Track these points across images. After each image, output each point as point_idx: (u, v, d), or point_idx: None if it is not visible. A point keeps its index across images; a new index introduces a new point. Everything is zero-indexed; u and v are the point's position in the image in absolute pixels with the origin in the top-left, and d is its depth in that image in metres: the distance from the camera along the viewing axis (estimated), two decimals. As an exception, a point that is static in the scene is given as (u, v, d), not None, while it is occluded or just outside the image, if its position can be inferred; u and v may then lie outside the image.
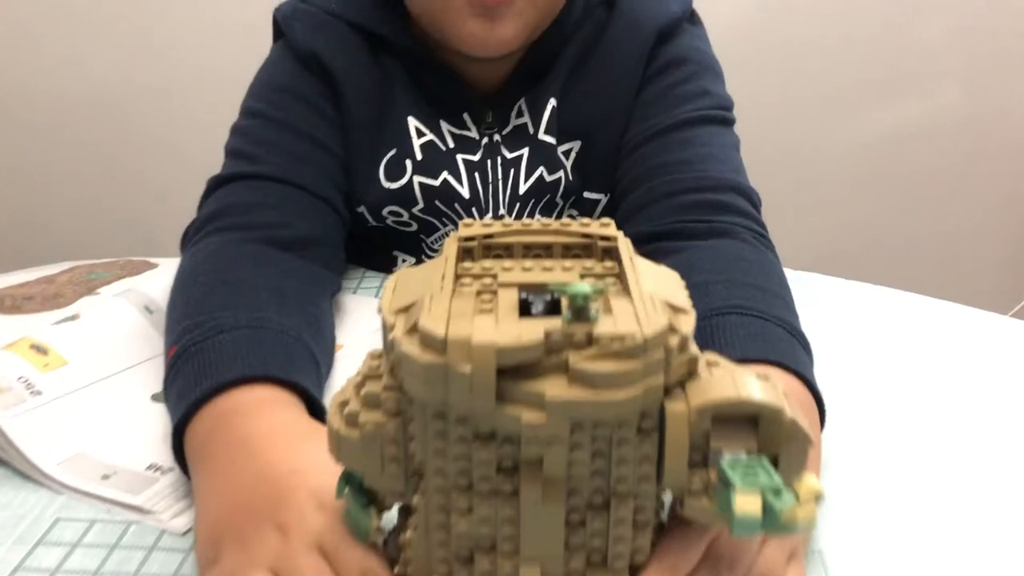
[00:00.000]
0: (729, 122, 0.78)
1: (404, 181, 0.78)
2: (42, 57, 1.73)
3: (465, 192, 0.78)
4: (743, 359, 0.50)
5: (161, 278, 0.73)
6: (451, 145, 0.78)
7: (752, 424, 0.35)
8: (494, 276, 0.38)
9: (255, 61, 0.82)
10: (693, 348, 0.35)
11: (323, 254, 0.72)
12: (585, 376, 0.32)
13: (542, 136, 0.78)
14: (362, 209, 0.80)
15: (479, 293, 0.37)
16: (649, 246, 0.68)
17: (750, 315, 0.55)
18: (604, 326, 0.33)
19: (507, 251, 0.40)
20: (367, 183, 0.79)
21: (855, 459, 0.57)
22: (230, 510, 0.44)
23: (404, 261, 0.85)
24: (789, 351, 0.54)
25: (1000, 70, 1.71)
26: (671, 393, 0.35)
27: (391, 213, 0.80)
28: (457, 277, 0.38)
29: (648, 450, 0.35)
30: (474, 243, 0.40)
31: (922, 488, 0.55)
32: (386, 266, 0.85)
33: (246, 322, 0.56)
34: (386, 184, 0.78)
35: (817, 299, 0.77)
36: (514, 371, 0.33)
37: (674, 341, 0.34)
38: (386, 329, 0.36)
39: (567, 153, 0.79)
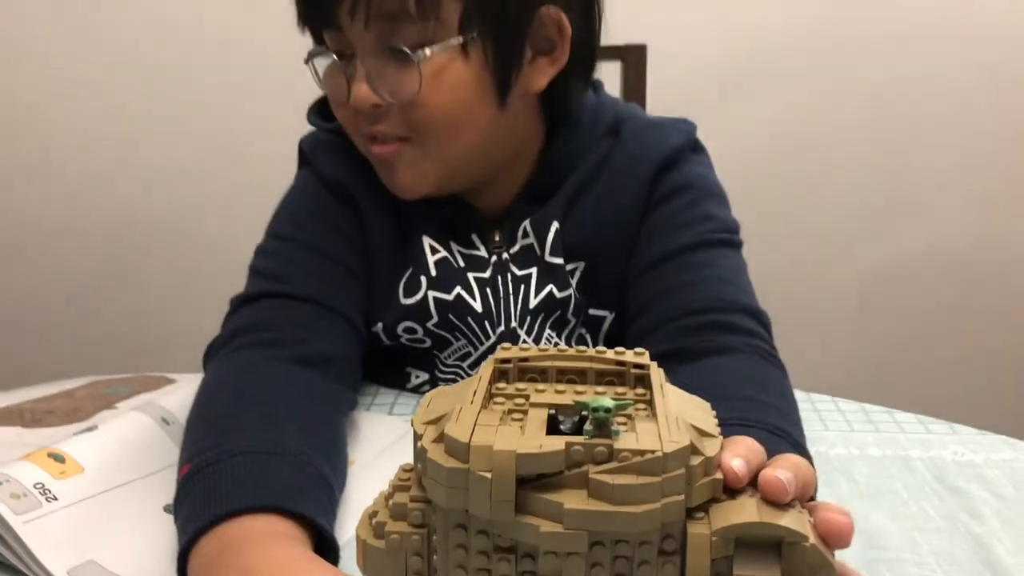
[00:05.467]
0: (735, 244, 0.79)
1: (419, 296, 0.79)
2: (67, 172, 1.78)
3: (478, 306, 0.79)
4: None
5: (179, 392, 0.74)
6: (461, 264, 0.80)
7: (777, 550, 0.35)
8: (526, 397, 0.39)
9: (278, 185, 0.84)
10: (718, 473, 0.35)
11: (343, 371, 0.74)
12: (604, 489, 0.33)
13: (549, 258, 0.80)
14: (378, 328, 0.82)
15: (510, 411, 0.37)
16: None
17: (756, 428, 0.56)
18: (626, 442, 0.33)
19: (542, 375, 0.41)
20: (386, 301, 0.80)
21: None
22: None
23: (417, 378, 0.86)
24: None
25: (1002, 199, 1.76)
26: (694, 516, 0.34)
27: (406, 330, 0.81)
28: (491, 396, 0.39)
29: (670, 573, 0.34)
30: (510, 365, 0.41)
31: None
32: (399, 382, 0.86)
33: (262, 447, 0.57)
34: (404, 300, 0.80)
35: (828, 421, 0.78)
36: (535, 482, 0.33)
37: (697, 462, 0.34)
38: (416, 438, 0.36)
39: (573, 272, 0.81)
